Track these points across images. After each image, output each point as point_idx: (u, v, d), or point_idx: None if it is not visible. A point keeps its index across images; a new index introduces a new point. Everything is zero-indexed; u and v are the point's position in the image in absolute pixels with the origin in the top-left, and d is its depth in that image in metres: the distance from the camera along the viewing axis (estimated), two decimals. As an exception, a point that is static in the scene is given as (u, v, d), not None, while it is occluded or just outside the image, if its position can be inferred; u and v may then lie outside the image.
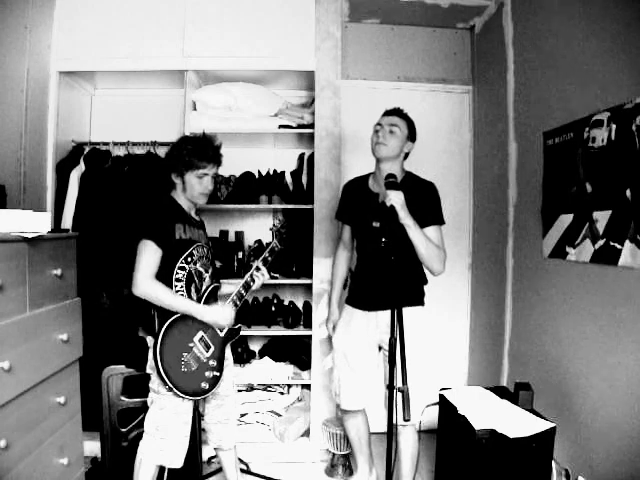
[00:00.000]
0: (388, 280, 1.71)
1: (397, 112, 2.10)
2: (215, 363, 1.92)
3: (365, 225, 2.12)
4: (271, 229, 2.20)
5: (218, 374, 1.94)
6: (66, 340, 1.78)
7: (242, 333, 2.12)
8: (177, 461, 1.88)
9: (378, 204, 2.09)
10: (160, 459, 1.86)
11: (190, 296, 1.90)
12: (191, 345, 1.86)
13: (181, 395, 1.81)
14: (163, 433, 1.85)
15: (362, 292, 2.18)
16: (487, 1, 2.80)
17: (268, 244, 2.17)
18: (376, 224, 2.07)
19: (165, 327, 1.80)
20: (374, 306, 2.10)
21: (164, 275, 1.84)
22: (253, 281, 2.05)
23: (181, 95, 2.89)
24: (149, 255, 1.81)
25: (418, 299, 2.13)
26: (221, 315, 1.91)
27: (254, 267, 2.08)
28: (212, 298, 1.97)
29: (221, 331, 1.96)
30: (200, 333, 1.89)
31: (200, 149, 1.94)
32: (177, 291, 1.86)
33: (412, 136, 2.10)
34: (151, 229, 1.83)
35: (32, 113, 2.52)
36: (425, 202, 2.01)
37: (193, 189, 1.95)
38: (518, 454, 1.69)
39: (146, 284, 1.79)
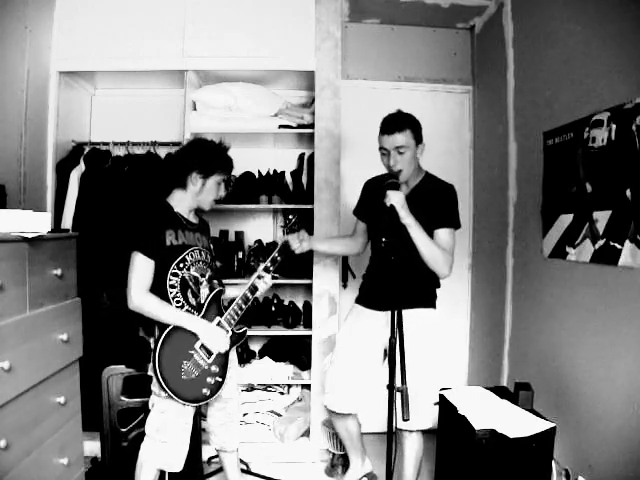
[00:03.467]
0: (390, 280, 1.70)
1: (397, 127, 1.91)
2: (217, 369, 1.89)
3: (377, 224, 2.07)
4: (283, 226, 2.17)
5: (220, 379, 1.91)
6: (66, 340, 1.77)
7: (242, 333, 2.11)
8: (177, 465, 1.86)
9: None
10: (161, 463, 1.86)
11: (188, 301, 1.87)
12: (191, 352, 1.83)
13: (181, 402, 1.80)
14: (164, 436, 1.84)
15: (372, 291, 2.15)
16: (487, 1, 2.80)
17: (269, 244, 2.15)
18: None
19: (164, 335, 1.79)
20: (385, 306, 2.06)
21: (157, 283, 1.82)
22: (255, 289, 2.01)
23: (181, 95, 2.88)
24: (140, 268, 1.78)
25: (428, 301, 2.08)
26: (216, 340, 1.86)
27: (255, 275, 2.02)
28: (215, 303, 1.95)
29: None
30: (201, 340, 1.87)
31: (227, 156, 1.99)
32: (173, 297, 1.84)
33: (420, 137, 1.99)
34: (139, 240, 1.81)
35: (32, 113, 2.52)
36: (441, 204, 1.97)
37: (210, 194, 1.94)
38: (518, 454, 1.69)
39: (140, 298, 1.77)
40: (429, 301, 2.09)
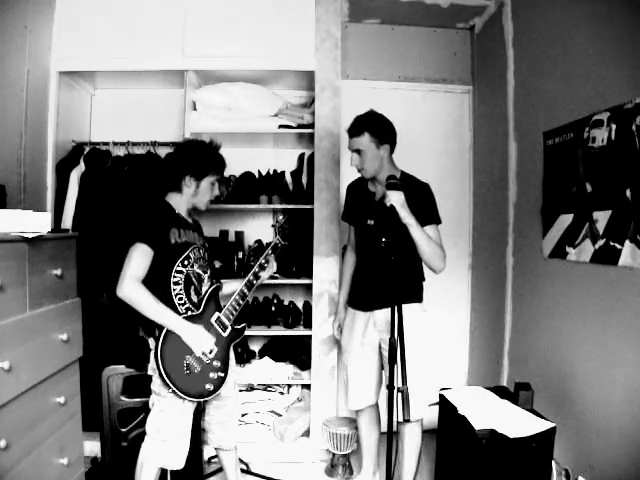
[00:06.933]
0: (387, 279, 1.72)
1: (356, 131, 2.03)
2: (219, 364, 1.91)
3: (361, 223, 2.15)
4: (273, 225, 2.21)
5: (223, 375, 1.92)
6: (66, 340, 1.77)
7: (242, 333, 2.12)
8: (178, 463, 1.87)
9: (374, 202, 2.13)
10: (161, 461, 1.86)
11: (190, 299, 1.89)
12: None
13: (185, 397, 1.80)
14: (164, 435, 1.84)
15: (360, 292, 2.21)
16: (487, 1, 2.80)
17: (268, 244, 2.17)
18: (370, 222, 2.11)
19: (165, 330, 1.79)
20: (370, 305, 2.12)
21: (161, 279, 1.83)
22: (258, 278, 2.04)
23: (181, 95, 2.89)
24: (139, 258, 1.78)
25: (416, 296, 2.14)
26: (198, 341, 1.83)
27: (259, 262, 2.06)
28: (213, 299, 1.96)
29: (224, 330, 1.95)
30: None
31: (218, 156, 2.01)
32: (176, 294, 1.85)
33: (383, 138, 2.03)
34: (145, 233, 1.81)
35: (32, 113, 2.52)
36: (421, 202, 2.02)
37: (205, 195, 1.97)
38: (518, 454, 1.69)
39: (132, 287, 1.75)
40: (417, 296, 2.15)
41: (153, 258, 1.80)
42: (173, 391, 1.78)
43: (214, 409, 2.05)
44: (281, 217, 2.23)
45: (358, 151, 2.04)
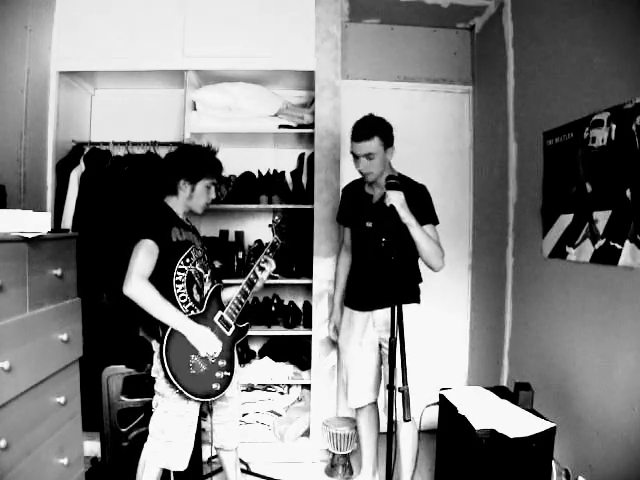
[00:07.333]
0: (387, 279, 1.73)
1: (366, 135, 1.98)
2: (225, 363, 1.90)
3: (359, 225, 2.16)
4: (270, 225, 2.21)
5: (229, 374, 1.91)
6: (66, 340, 1.77)
7: (242, 333, 2.12)
8: (182, 463, 1.87)
9: (371, 204, 2.14)
10: (166, 462, 1.86)
11: (192, 297, 1.89)
12: None
13: (192, 398, 1.79)
14: (169, 436, 1.83)
15: (358, 292, 2.22)
16: (487, 1, 2.80)
17: (268, 244, 2.18)
18: (369, 224, 2.12)
19: (170, 330, 1.79)
20: (370, 305, 2.14)
21: (164, 278, 1.83)
22: (257, 278, 2.04)
23: (181, 95, 2.89)
24: (145, 255, 1.78)
25: (414, 296, 2.16)
26: (205, 343, 1.83)
27: (258, 262, 2.06)
28: (215, 298, 1.97)
29: (228, 329, 1.94)
30: None
31: (213, 159, 2.01)
32: (178, 293, 1.85)
33: (389, 141, 2.03)
34: (149, 229, 1.82)
35: (32, 113, 2.52)
36: (419, 203, 2.03)
37: (200, 198, 1.97)
38: (518, 454, 1.69)
39: (139, 285, 1.74)
40: (415, 297, 2.17)
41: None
42: (180, 392, 1.77)
43: (217, 409, 2.05)
44: (277, 217, 2.22)
45: (367, 155, 2.00)
